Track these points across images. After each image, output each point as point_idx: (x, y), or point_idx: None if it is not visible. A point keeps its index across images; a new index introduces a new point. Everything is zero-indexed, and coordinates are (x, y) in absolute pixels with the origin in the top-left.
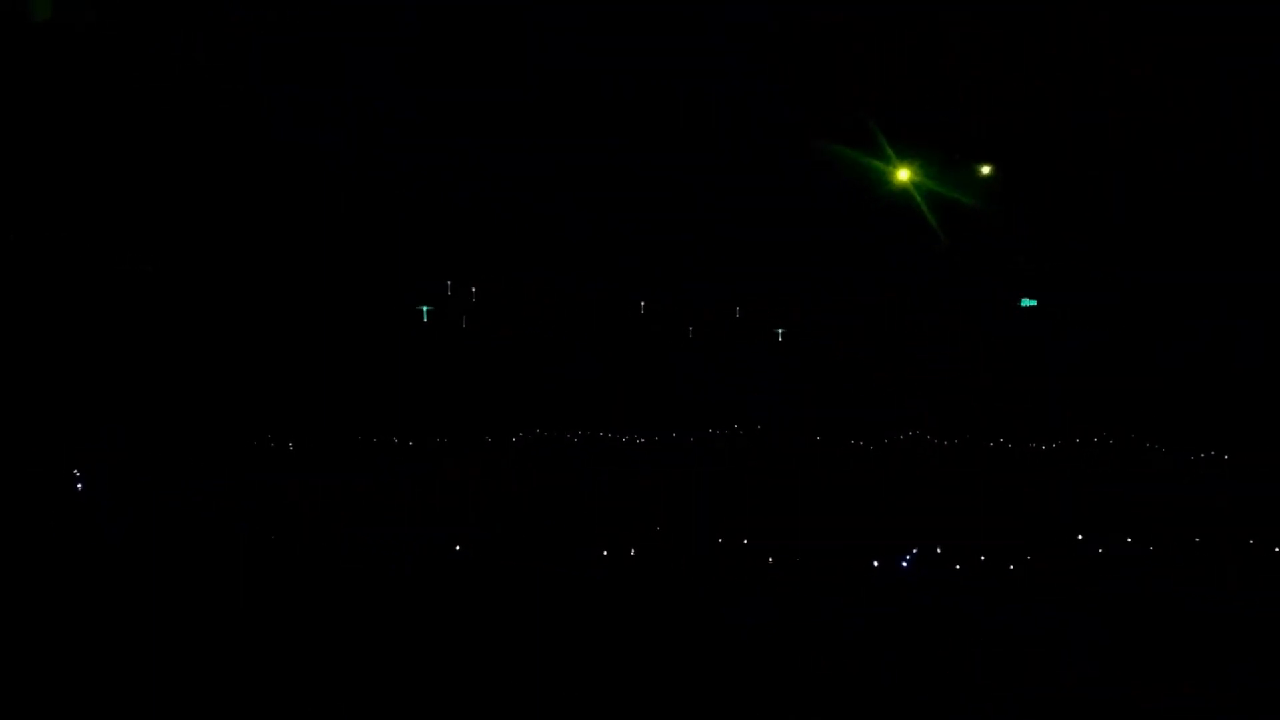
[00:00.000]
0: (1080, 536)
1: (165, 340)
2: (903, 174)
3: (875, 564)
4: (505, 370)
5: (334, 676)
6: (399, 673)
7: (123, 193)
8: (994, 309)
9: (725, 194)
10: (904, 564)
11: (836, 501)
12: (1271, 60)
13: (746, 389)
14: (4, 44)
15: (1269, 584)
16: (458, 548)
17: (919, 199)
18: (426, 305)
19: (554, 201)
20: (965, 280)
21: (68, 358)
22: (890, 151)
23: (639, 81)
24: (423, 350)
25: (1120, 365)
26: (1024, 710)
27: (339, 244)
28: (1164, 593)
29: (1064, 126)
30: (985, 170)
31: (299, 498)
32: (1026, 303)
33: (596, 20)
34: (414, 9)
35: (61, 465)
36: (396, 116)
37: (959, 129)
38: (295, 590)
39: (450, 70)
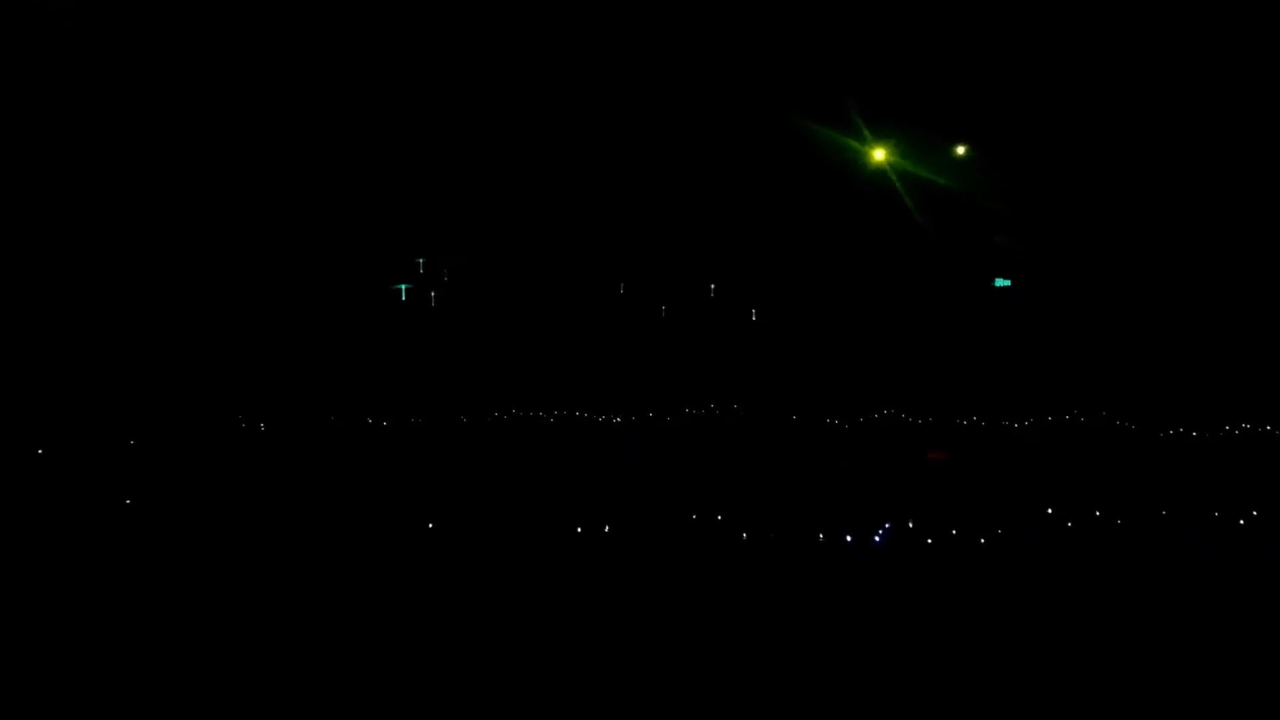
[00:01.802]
0: (1050, 510)
1: (135, 322)
2: (879, 154)
3: (849, 539)
4: (480, 350)
5: (311, 650)
6: (373, 645)
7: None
8: (969, 288)
9: (699, 174)
10: (877, 538)
11: (811, 478)
12: (1242, 44)
13: (721, 368)
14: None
15: (1235, 555)
16: (430, 525)
17: (896, 179)
18: (404, 284)
19: (528, 182)
20: (941, 260)
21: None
22: (867, 132)
23: (611, 61)
24: (397, 330)
25: (1092, 344)
26: (995, 681)
27: (311, 224)
28: (1133, 565)
29: (1041, 108)
30: (961, 150)
31: (271, 478)
32: (1000, 282)
33: (568, 6)
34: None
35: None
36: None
37: (937, 109)
38: (272, 568)
39: (431, 59)
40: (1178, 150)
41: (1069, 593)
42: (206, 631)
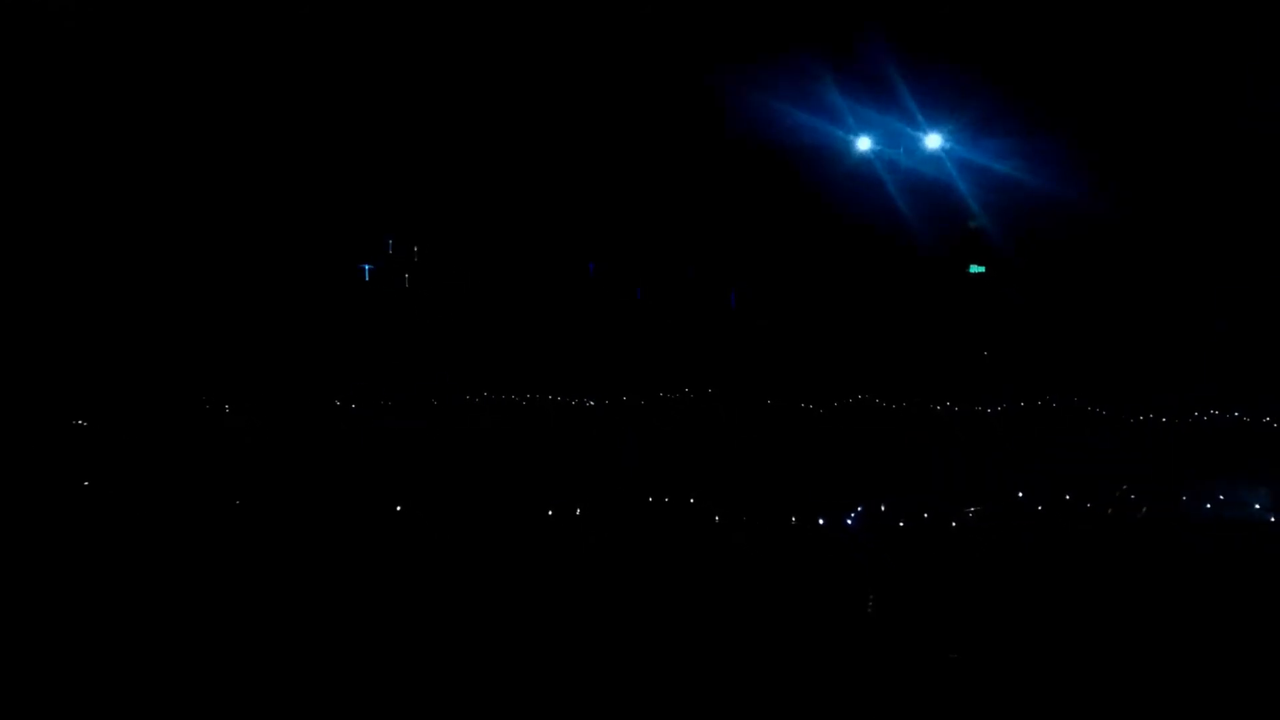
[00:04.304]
0: (1020, 494)
1: (95, 304)
2: (860, 142)
3: (821, 521)
4: (453, 333)
5: (279, 633)
6: (344, 625)
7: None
8: (944, 275)
9: (677, 156)
10: (849, 521)
11: (784, 462)
12: (1210, 30)
13: (696, 352)
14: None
15: (1203, 536)
16: (399, 507)
17: (875, 166)
18: (368, 264)
19: (501, 164)
20: (916, 246)
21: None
22: (849, 119)
23: (595, 47)
24: (365, 311)
25: (1065, 330)
26: (964, 659)
27: (279, 204)
28: (1102, 548)
29: (1017, 92)
30: (938, 138)
31: (237, 461)
32: (975, 269)
33: None
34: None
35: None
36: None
37: (917, 97)
38: (237, 550)
39: (399, 40)
40: (1152, 140)
41: (1038, 573)
42: (169, 612)
